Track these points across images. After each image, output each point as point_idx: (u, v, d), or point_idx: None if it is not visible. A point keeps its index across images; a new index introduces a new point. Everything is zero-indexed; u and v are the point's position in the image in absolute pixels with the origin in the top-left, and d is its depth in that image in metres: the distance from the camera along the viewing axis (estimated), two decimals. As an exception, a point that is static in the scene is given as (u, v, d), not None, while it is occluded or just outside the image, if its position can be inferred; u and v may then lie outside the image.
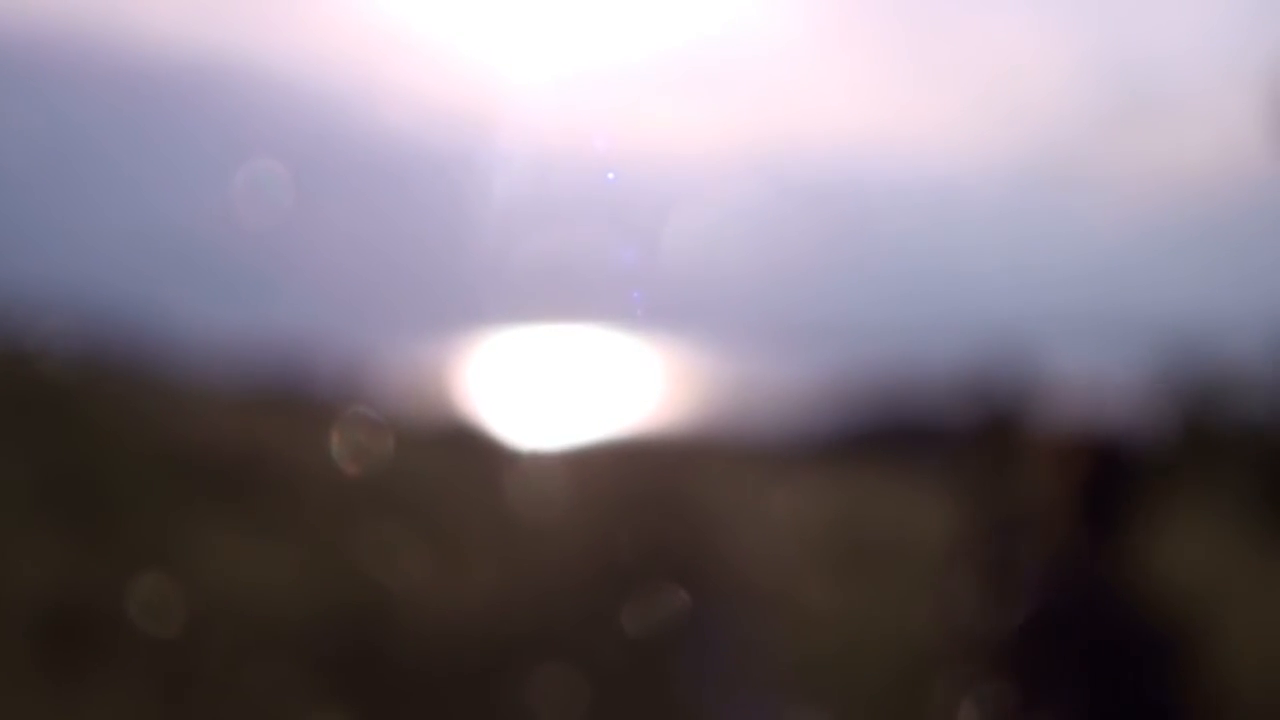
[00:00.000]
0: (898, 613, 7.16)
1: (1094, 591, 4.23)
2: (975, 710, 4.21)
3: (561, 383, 10.44)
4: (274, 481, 8.29)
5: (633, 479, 9.56)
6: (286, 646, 6.26)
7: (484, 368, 11.31)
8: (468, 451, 9.93)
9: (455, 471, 9.10)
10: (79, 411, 8.68)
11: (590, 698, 5.93)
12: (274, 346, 11.18)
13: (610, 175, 3.64)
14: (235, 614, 6.40)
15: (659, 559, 7.66)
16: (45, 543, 6.83)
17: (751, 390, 12.17)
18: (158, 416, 9.12)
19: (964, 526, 6.95)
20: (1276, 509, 11.06)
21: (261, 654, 6.12)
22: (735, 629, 7.05)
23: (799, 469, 10.95)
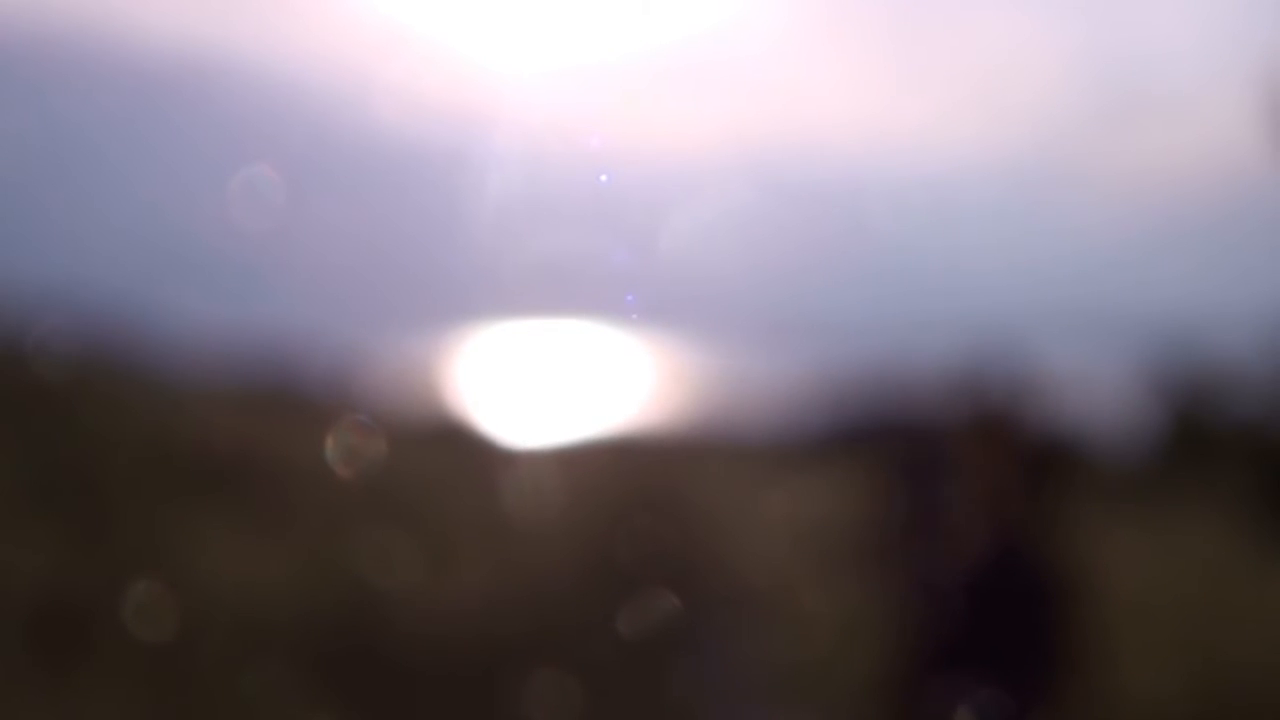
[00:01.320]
0: (891, 613, 7.15)
1: (1015, 571, 4.35)
2: (969, 710, 4.24)
3: (554, 379, 10.43)
4: (267, 479, 8.28)
5: (626, 477, 9.56)
6: (280, 645, 6.25)
7: (477, 364, 11.30)
8: (461, 449, 9.92)
9: (448, 469, 9.09)
10: (73, 409, 8.67)
11: (584, 698, 5.93)
12: (267, 343, 11.18)
13: (603, 175, 3.64)
14: (228, 612, 6.39)
15: (653, 558, 7.66)
16: (38, 541, 6.82)
17: (745, 387, 12.17)
18: (151, 414, 9.12)
19: (917, 518, 6.99)
20: (1269, 505, 11.07)
21: (255, 653, 6.11)
22: (729, 628, 7.05)
23: (792, 467, 10.95)
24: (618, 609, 6.69)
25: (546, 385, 10.46)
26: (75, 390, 8.97)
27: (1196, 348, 13.22)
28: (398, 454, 8.67)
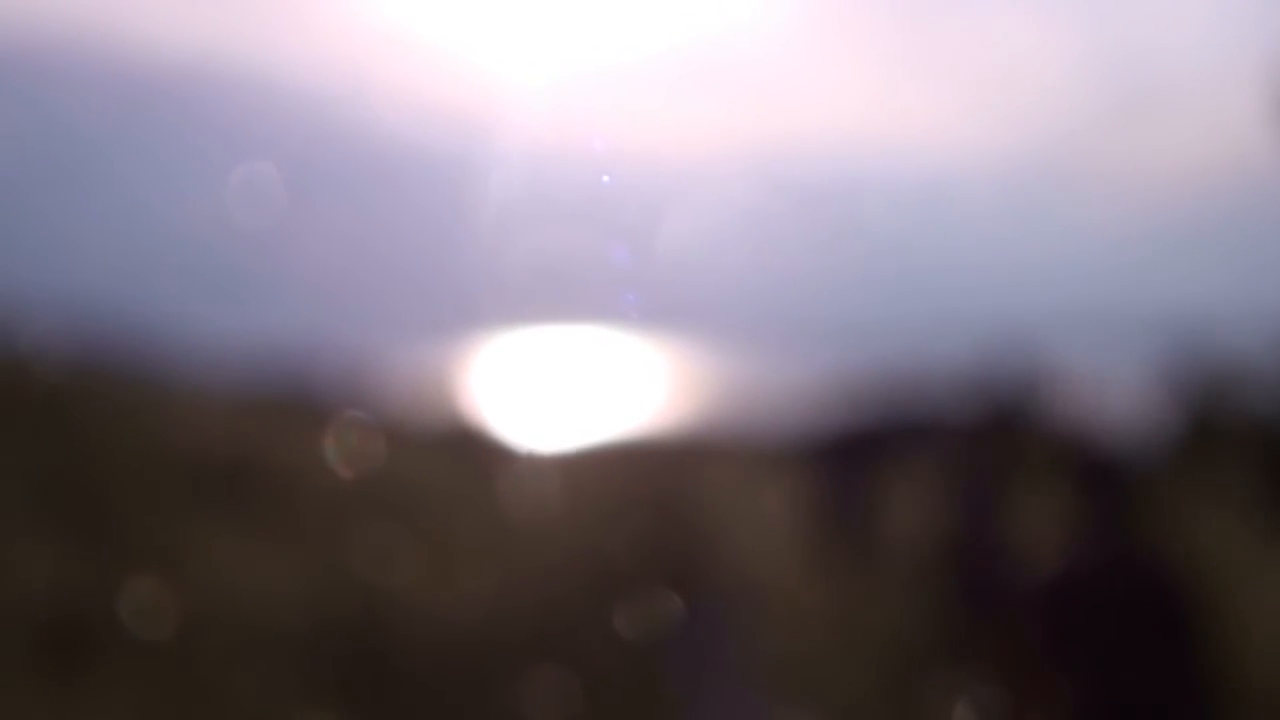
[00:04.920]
0: (892, 611, 7.14)
1: (1099, 583, 4.30)
2: (968, 708, 4.21)
3: (561, 384, 10.41)
4: (273, 486, 8.26)
5: (632, 481, 9.53)
6: (285, 650, 6.24)
7: (483, 370, 11.28)
8: (468, 455, 9.90)
9: (455, 475, 9.07)
10: (77, 416, 8.65)
11: (586, 700, 5.90)
12: (273, 350, 11.16)
13: (606, 177, 3.61)
14: (233, 618, 6.38)
15: (657, 561, 7.64)
16: (44, 547, 6.81)
17: (751, 390, 12.14)
18: (156, 421, 9.10)
19: (959, 523, 6.94)
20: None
21: (259, 657, 6.10)
22: (735, 631, 7.03)
23: (798, 469, 10.92)
24: (625, 613, 6.67)
25: (556, 390, 10.44)
26: (80, 396, 8.95)
27: (1208, 344, 13.18)
28: (407, 459, 8.64)
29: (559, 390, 10.48)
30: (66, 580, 6.51)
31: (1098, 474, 4.55)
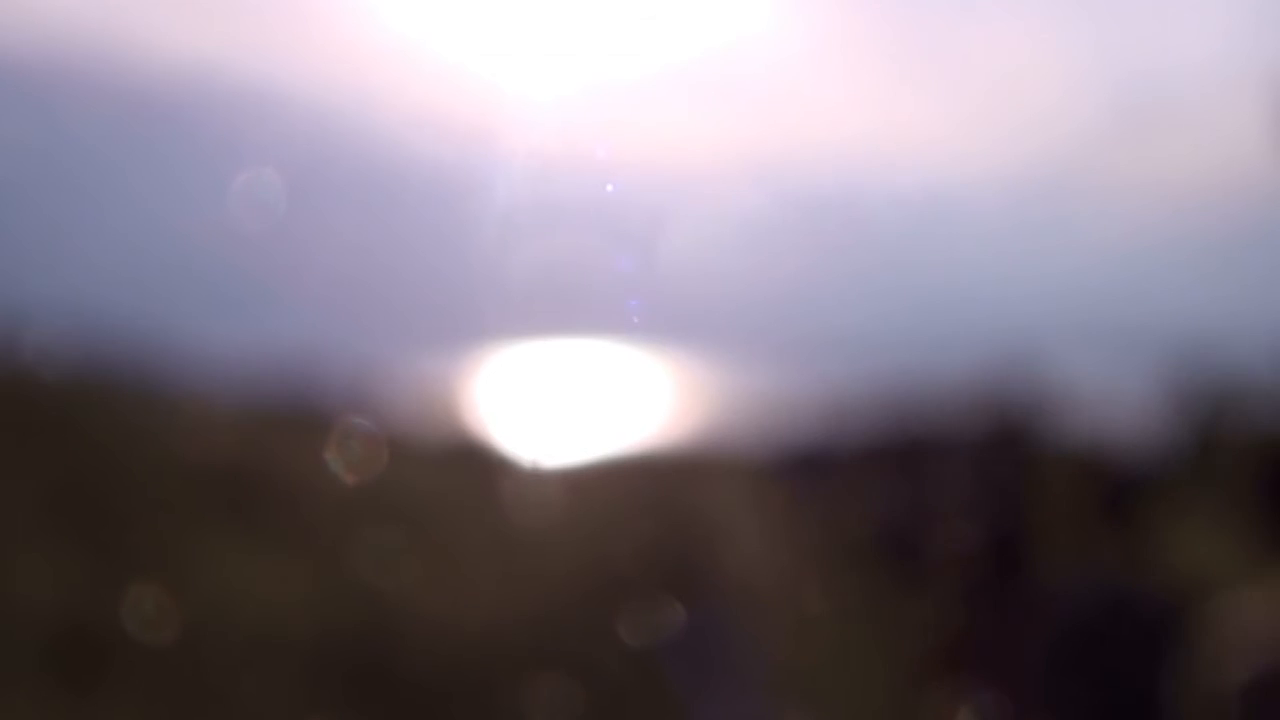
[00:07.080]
0: (895, 619, 7.15)
1: (1097, 596, 4.34)
2: (971, 714, 4.24)
3: (566, 398, 10.40)
4: (279, 495, 8.27)
5: (637, 494, 9.54)
6: (291, 659, 6.24)
7: (489, 383, 11.28)
8: (473, 468, 9.90)
9: (460, 487, 9.08)
10: (82, 426, 8.66)
11: (591, 707, 5.91)
12: (278, 361, 11.15)
13: (609, 186, 3.63)
14: (240, 627, 6.39)
15: (661, 570, 7.65)
16: (50, 559, 6.82)
17: (754, 402, 12.14)
18: (162, 430, 9.10)
19: (965, 534, 6.97)
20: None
21: (267, 669, 6.10)
22: (736, 637, 7.04)
23: (800, 481, 10.94)
24: (629, 621, 6.68)
25: (561, 404, 10.43)
26: (85, 408, 8.96)
27: (1214, 360, 13.17)
28: (411, 470, 8.65)
29: (566, 403, 10.47)
30: (72, 590, 6.52)
31: (1100, 488, 4.59)
